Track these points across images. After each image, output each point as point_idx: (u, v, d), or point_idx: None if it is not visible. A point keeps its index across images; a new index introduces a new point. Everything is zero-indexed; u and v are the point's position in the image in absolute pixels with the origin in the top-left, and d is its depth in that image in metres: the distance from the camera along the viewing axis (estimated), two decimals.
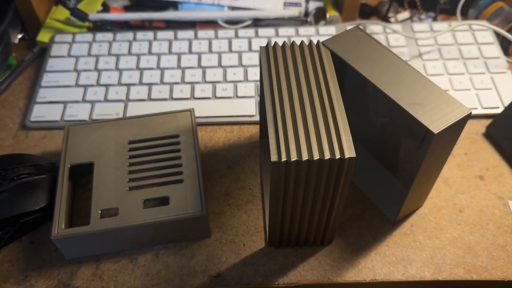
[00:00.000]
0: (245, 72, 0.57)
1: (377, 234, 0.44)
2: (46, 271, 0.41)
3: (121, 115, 0.53)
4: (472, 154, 0.50)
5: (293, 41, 0.41)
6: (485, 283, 0.41)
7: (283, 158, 0.32)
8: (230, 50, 0.59)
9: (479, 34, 0.60)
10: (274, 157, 0.32)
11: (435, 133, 0.33)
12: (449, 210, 0.45)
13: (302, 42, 0.41)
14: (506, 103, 0.53)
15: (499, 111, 0.53)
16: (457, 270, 0.41)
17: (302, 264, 0.42)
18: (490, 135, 0.51)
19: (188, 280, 0.41)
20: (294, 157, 0.32)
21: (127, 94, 0.54)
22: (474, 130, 0.52)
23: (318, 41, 0.41)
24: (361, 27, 0.59)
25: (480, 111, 0.53)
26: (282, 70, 0.38)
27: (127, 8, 0.65)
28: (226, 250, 0.43)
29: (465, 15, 0.66)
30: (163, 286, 0.40)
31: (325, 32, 0.61)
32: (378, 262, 0.42)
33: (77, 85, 0.56)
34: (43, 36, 0.61)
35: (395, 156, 0.44)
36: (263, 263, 0.42)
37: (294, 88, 0.37)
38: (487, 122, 0.53)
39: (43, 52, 0.61)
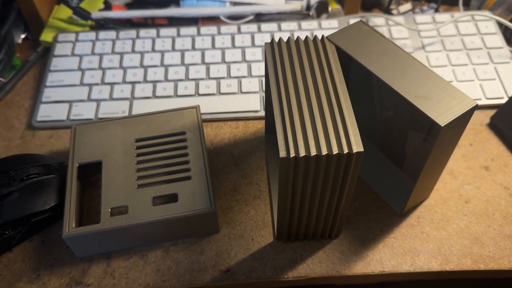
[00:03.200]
0: (249, 68, 0.57)
1: (384, 226, 0.44)
2: (58, 270, 0.42)
3: (126, 113, 0.53)
4: (477, 144, 0.50)
5: (298, 36, 0.41)
6: (492, 272, 0.41)
7: (292, 154, 0.32)
8: (233, 46, 0.59)
9: (482, 25, 0.60)
10: (282, 153, 0.33)
11: (442, 125, 0.34)
12: (455, 201, 0.46)
13: (306, 37, 0.41)
14: (510, 93, 0.54)
15: (503, 101, 0.53)
16: (464, 261, 0.42)
17: (310, 258, 0.42)
18: (495, 126, 0.51)
19: (198, 276, 0.41)
20: (302, 153, 0.33)
21: (132, 92, 0.55)
22: (479, 120, 0.52)
23: (322, 35, 0.41)
24: (363, 20, 0.59)
25: (484, 101, 0.53)
26: (288, 66, 0.38)
27: (129, 6, 0.65)
28: (235, 245, 0.43)
29: (467, 6, 0.66)
30: (173, 282, 0.41)
31: (328, 25, 0.61)
32: (386, 254, 0.42)
33: (82, 84, 0.56)
34: (46, 36, 0.61)
35: (401, 149, 0.45)
36: (272, 257, 0.42)
37: (301, 83, 0.37)
38: (491, 112, 0.53)
39: (47, 51, 0.61)
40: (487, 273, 0.42)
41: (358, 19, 0.59)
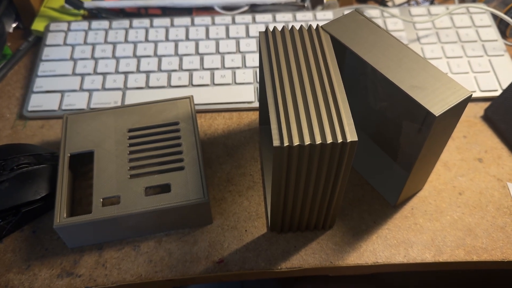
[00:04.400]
0: (243, 59, 0.56)
1: (378, 217, 0.44)
2: (49, 260, 0.41)
3: (119, 103, 0.52)
4: (471, 137, 0.50)
5: (293, 26, 0.40)
6: (485, 263, 0.41)
7: (286, 143, 0.32)
8: (228, 37, 0.59)
9: (477, 17, 0.60)
10: (276, 142, 0.32)
11: (436, 115, 0.34)
12: (449, 193, 0.46)
13: (301, 26, 0.40)
14: (504, 86, 0.54)
15: (497, 93, 0.53)
16: (457, 252, 0.42)
17: (304, 249, 0.42)
18: (489, 118, 0.51)
19: (191, 266, 0.41)
20: (296, 142, 0.32)
21: (125, 82, 0.54)
22: (473, 113, 0.52)
23: (317, 25, 0.40)
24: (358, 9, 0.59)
25: (478, 94, 0.53)
26: (282, 55, 0.38)
27: None
28: (228, 236, 0.43)
29: None
30: (166, 273, 0.41)
31: (323, 17, 0.61)
32: (379, 245, 0.42)
33: (74, 74, 0.55)
34: (38, 25, 0.60)
35: (395, 140, 0.44)
36: (265, 248, 0.42)
37: (295, 73, 0.37)
38: (486, 105, 0.53)
39: (39, 41, 0.60)
40: (480, 264, 0.42)
41: None
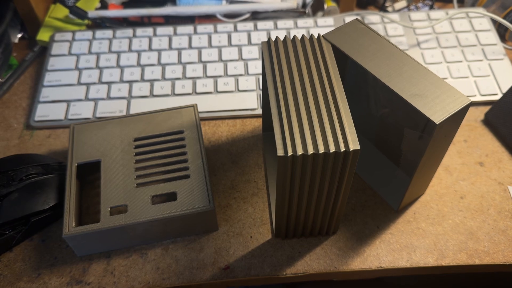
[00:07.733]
0: (246, 66, 0.57)
1: (381, 222, 0.44)
2: (59, 269, 0.42)
3: (124, 112, 0.53)
4: (471, 141, 0.51)
5: (294, 35, 0.41)
6: (487, 267, 0.42)
7: (289, 153, 0.33)
8: (230, 44, 0.59)
9: (476, 22, 0.61)
10: (280, 152, 0.33)
11: (437, 123, 0.34)
12: (451, 197, 0.46)
13: (303, 36, 0.41)
14: (504, 90, 0.54)
15: (497, 97, 0.54)
16: (459, 255, 0.42)
17: (308, 254, 0.42)
18: (489, 122, 0.52)
19: (197, 273, 0.42)
20: (300, 151, 0.33)
21: (130, 91, 0.55)
22: (473, 117, 0.53)
23: (319, 34, 0.41)
24: (359, 17, 0.60)
25: (478, 98, 0.54)
26: (285, 65, 0.39)
27: (125, 5, 0.65)
28: (233, 242, 0.43)
29: (461, 3, 0.67)
30: (173, 280, 0.41)
31: (324, 23, 0.61)
32: (382, 250, 0.43)
33: (79, 83, 0.56)
34: (43, 35, 0.61)
35: (397, 146, 0.45)
36: (270, 254, 0.43)
37: (297, 82, 0.37)
38: (486, 109, 0.53)
39: (44, 51, 0.61)
40: (482, 267, 0.42)
41: (354, 17, 0.60)
